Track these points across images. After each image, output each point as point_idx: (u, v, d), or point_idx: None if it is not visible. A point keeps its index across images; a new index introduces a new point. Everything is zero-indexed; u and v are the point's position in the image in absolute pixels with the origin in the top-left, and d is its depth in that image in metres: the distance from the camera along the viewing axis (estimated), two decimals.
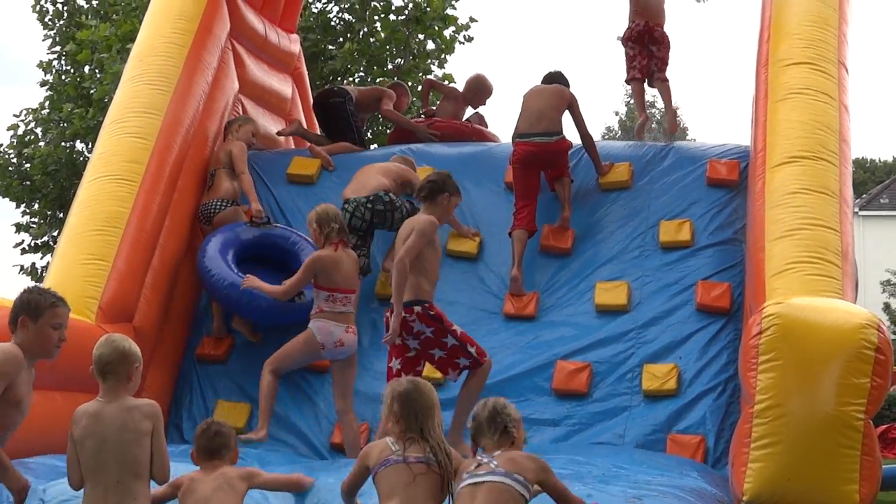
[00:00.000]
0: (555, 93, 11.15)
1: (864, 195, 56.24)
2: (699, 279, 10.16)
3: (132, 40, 18.41)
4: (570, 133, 11.22)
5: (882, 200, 55.92)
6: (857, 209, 47.51)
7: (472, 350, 8.80)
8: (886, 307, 41.21)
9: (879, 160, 68.97)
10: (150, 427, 5.97)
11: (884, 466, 6.90)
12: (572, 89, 11.26)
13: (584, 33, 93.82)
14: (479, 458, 5.91)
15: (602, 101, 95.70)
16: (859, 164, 62.72)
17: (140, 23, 16.56)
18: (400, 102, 13.10)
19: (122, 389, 6.07)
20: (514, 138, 11.02)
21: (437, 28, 23.02)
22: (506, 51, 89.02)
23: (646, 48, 12.28)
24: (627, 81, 12.56)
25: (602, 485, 7.02)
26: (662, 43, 12.29)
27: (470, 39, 23.61)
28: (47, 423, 8.25)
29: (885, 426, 19.31)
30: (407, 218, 9.69)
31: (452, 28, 23.26)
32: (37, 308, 6.49)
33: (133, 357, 6.12)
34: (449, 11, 22.96)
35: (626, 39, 12.38)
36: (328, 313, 9.19)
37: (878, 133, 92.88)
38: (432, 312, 8.67)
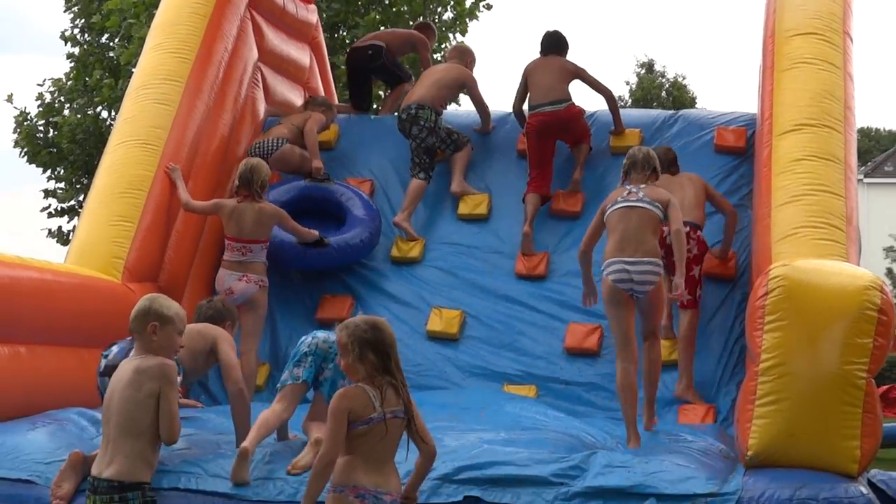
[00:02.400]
0: (559, 67, 11.15)
1: (869, 163, 56.17)
2: (708, 247, 10.18)
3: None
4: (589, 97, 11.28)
5: (886, 168, 55.85)
6: (861, 177, 47.49)
7: (699, 292, 9.43)
8: (889, 272, 41.19)
9: (884, 129, 68.83)
10: (155, 389, 5.91)
11: (884, 425, 6.95)
12: (581, 58, 11.35)
13: (595, 3, 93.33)
14: (629, 187, 8.01)
15: (612, 71, 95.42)
16: (864, 133, 62.62)
17: None
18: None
19: (144, 348, 6.07)
20: (529, 111, 11.04)
21: None
22: (522, 18, 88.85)
23: None
24: None
25: (609, 442, 7.09)
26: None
27: (489, 7, 23.68)
28: (76, 380, 8.37)
29: (886, 387, 19.38)
30: (428, 133, 11.05)
31: None
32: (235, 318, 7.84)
33: (151, 315, 6.05)
34: None
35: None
36: (226, 262, 9.51)
37: (884, 103, 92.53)
38: (697, 235, 9.51)
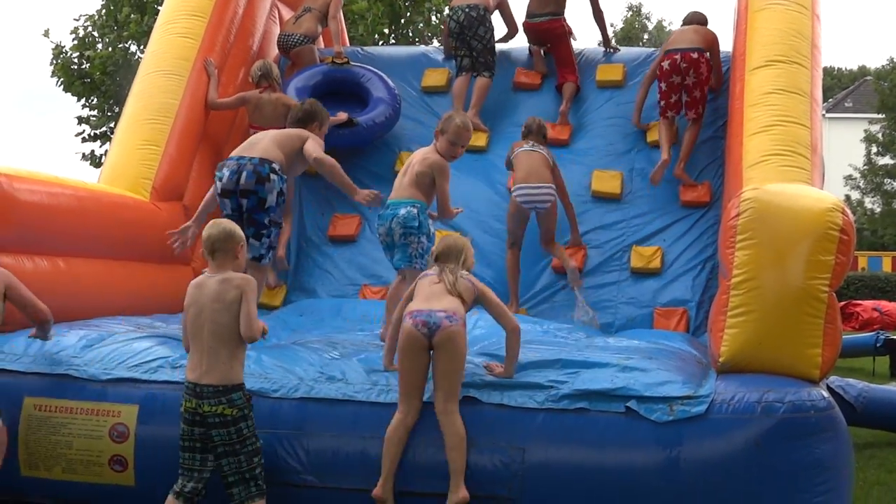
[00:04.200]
0: None
1: (831, 99, 56.06)
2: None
3: None
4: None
5: (846, 105, 55.83)
6: (824, 112, 47.30)
7: (702, 109, 10.40)
8: (847, 199, 41.20)
9: (845, 68, 68.59)
10: (237, 295, 5.99)
11: (843, 336, 6.93)
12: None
13: None
14: (529, 142, 9.56)
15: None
16: (827, 72, 62.36)
17: None
18: None
19: (227, 265, 6.14)
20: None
21: None
22: None
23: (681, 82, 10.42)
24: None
25: (594, 350, 7.08)
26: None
27: None
28: (109, 289, 8.36)
29: (843, 302, 19.42)
30: (491, 35, 11.14)
31: None
32: (323, 118, 8.10)
33: (238, 237, 6.19)
34: None
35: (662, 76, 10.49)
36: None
37: (845, 44, 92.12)
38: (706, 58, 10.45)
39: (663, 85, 10.41)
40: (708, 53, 10.43)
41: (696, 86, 10.28)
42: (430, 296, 6.22)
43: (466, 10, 11.05)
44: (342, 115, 10.35)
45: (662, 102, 10.41)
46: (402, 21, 23.48)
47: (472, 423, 6.08)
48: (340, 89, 11.04)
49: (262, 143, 7.58)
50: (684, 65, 10.29)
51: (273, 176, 7.41)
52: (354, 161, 10.54)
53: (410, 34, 23.82)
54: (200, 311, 6.03)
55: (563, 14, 11.31)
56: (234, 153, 7.61)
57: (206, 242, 6.20)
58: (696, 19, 10.84)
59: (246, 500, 5.93)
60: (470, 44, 11.11)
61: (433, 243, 7.33)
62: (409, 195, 7.54)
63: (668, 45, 10.60)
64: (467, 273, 6.39)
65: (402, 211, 7.46)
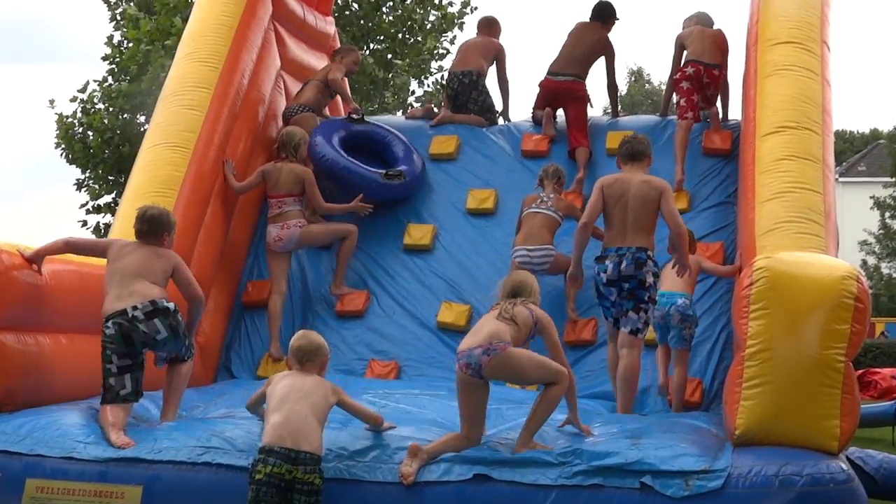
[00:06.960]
0: (592, 42, 11.62)
1: (844, 163, 56.17)
2: (696, 239, 10.14)
3: (170, 34, 19.07)
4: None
5: (860, 168, 55.94)
6: (837, 176, 47.35)
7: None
8: (864, 264, 41.12)
9: (857, 132, 68.81)
10: (334, 400, 6.47)
11: (861, 406, 6.91)
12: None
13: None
14: (541, 195, 9.95)
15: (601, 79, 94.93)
16: (840, 136, 62.52)
17: (178, 19, 17.04)
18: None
19: (313, 373, 6.58)
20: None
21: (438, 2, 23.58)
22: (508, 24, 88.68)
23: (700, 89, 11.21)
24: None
25: (607, 426, 7.05)
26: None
27: (474, 9, 24.13)
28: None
29: (861, 371, 19.28)
30: (483, 99, 11.96)
31: (458, 5, 23.77)
32: (650, 154, 8.77)
33: (325, 350, 6.72)
34: None
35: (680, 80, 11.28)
36: (269, 218, 10.24)
37: (857, 107, 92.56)
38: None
39: (685, 84, 11.13)
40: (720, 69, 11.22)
41: (714, 95, 11.26)
42: (475, 331, 6.61)
43: (460, 76, 12.05)
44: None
45: (683, 100, 11.06)
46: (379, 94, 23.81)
47: (484, 500, 6.07)
48: (362, 145, 11.29)
49: (630, 235, 8.23)
50: (706, 80, 11.09)
51: (649, 261, 8.15)
52: (365, 234, 10.69)
53: (386, 103, 24.10)
54: (293, 383, 6.39)
55: (585, 79, 11.57)
56: (613, 244, 8.31)
57: (296, 353, 6.60)
58: (710, 22, 11.49)
59: None
60: (467, 106, 11.90)
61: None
62: (681, 287, 8.66)
63: (691, 54, 11.19)
64: (532, 303, 6.83)
65: (680, 301, 8.61)
